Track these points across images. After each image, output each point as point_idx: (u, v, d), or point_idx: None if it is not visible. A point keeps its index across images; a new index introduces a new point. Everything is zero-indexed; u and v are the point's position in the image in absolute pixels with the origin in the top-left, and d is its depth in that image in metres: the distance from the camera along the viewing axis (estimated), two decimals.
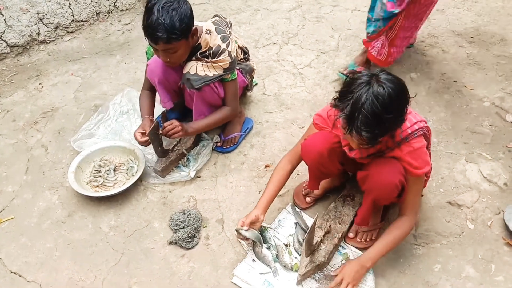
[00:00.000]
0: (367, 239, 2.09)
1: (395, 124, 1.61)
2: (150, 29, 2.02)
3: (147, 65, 2.42)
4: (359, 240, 2.09)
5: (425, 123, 1.79)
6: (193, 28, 2.13)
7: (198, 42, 2.23)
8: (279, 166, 2.10)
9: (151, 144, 2.31)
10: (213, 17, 2.38)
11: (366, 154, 1.83)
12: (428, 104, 2.85)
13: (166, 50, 2.10)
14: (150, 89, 2.52)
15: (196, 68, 2.25)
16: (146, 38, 2.08)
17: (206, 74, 2.25)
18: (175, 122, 2.30)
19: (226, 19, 2.41)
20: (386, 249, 1.87)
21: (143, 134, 2.29)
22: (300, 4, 3.94)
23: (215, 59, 2.23)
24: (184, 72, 2.28)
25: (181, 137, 2.38)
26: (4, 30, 3.24)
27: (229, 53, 2.25)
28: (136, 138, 2.30)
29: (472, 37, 3.44)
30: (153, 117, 2.45)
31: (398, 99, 1.55)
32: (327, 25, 3.65)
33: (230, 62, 2.26)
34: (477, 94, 2.92)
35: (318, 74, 3.14)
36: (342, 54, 3.33)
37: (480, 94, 2.91)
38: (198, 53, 2.24)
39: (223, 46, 2.23)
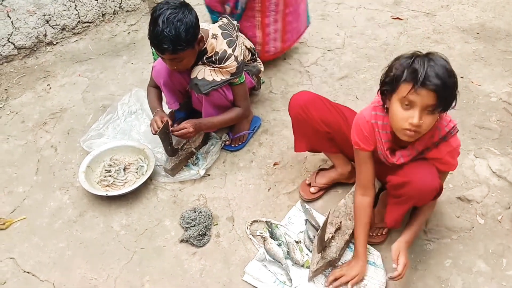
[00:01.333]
0: (378, 234, 2.10)
1: (453, 96, 1.52)
2: (156, 41, 2.05)
3: (153, 66, 2.43)
4: (371, 234, 2.09)
5: (455, 121, 1.74)
6: (199, 36, 2.14)
7: (204, 46, 2.24)
8: (356, 205, 1.97)
9: (161, 142, 2.32)
10: (221, 19, 2.39)
11: (408, 159, 1.77)
12: None
13: (172, 59, 2.13)
14: (156, 86, 2.53)
15: (204, 73, 2.26)
16: (152, 47, 2.10)
17: (213, 79, 2.26)
18: (186, 124, 2.31)
19: (234, 20, 2.42)
20: (419, 232, 1.93)
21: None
22: None
23: (222, 65, 2.24)
24: (192, 77, 2.29)
25: (193, 136, 2.40)
26: (12, 32, 3.26)
27: (236, 57, 2.25)
28: (156, 123, 2.28)
29: (478, 33, 3.44)
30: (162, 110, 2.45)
31: (452, 71, 1.50)
32: (332, 23, 3.66)
33: (237, 67, 2.27)
34: (484, 90, 2.92)
35: (325, 71, 3.15)
36: (348, 51, 3.33)
37: (487, 90, 2.91)
38: (204, 58, 2.25)
39: (229, 51, 2.23)
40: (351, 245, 2.08)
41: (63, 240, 2.18)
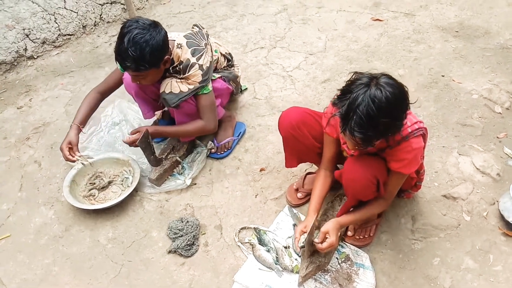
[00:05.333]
0: (365, 236, 2.11)
1: (391, 129, 1.61)
2: (119, 57, 2.06)
3: (123, 78, 2.40)
4: (357, 237, 2.10)
5: (424, 124, 1.80)
6: (166, 56, 2.14)
7: (171, 57, 2.22)
8: (316, 176, 2.10)
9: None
10: (192, 28, 2.37)
11: (365, 153, 1.84)
12: (417, 100, 2.87)
13: (135, 75, 2.13)
14: (101, 92, 2.46)
15: (171, 86, 2.23)
16: (116, 61, 2.10)
17: (181, 91, 2.24)
18: (137, 135, 2.28)
19: (203, 29, 2.38)
20: (358, 221, 1.99)
21: (70, 149, 2.27)
22: (285, 7, 3.97)
23: (187, 74, 2.22)
24: (161, 91, 2.27)
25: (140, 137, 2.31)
26: None
27: (200, 66, 2.22)
28: (63, 152, 2.26)
29: (457, 31, 3.49)
30: (83, 126, 2.37)
31: (396, 104, 1.55)
32: (313, 27, 3.68)
33: (201, 74, 2.23)
34: (465, 87, 2.95)
35: (307, 75, 3.16)
36: (330, 54, 3.35)
37: (468, 87, 2.95)
38: (170, 68, 2.24)
39: (193, 60, 2.21)
40: (339, 248, 2.09)
41: (49, 256, 2.16)
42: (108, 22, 3.82)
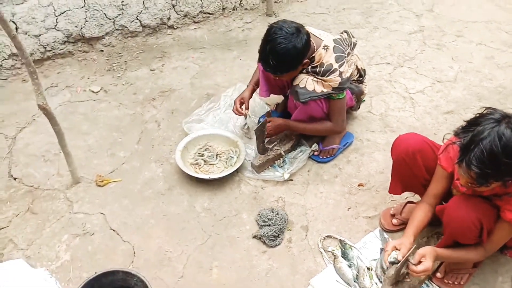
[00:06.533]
0: (455, 282, 1.99)
1: (506, 172, 1.50)
2: (261, 60, 2.24)
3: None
4: (446, 281, 2.00)
5: None
6: (305, 60, 2.23)
7: (313, 55, 2.27)
8: (416, 206, 2.03)
9: (255, 139, 2.42)
10: (341, 33, 2.41)
11: (479, 194, 1.75)
12: None
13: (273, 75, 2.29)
14: None
15: (306, 82, 2.29)
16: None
17: (314, 90, 2.29)
18: (272, 124, 2.47)
19: (353, 38, 2.43)
20: (454, 260, 1.90)
21: (241, 103, 2.54)
22: (421, 28, 3.83)
23: (325, 77, 2.26)
24: (294, 84, 2.34)
25: (276, 132, 2.53)
26: (141, 11, 3.55)
27: (340, 73, 2.26)
28: (235, 104, 2.53)
29: None
30: (256, 86, 2.62)
31: None
32: (447, 54, 3.51)
33: (340, 82, 2.27)
34: None
35: (430, 102, 3.04)
36: (460, 86, 3.18)
37: None
38: (309, 67, 2.29)
39: (335, 65, 2.25)
40: (424, 286, 2.00)
41: (150, 208, 2.35)
42: (246, 9, 4.00)
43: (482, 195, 1.76)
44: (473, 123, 1.55)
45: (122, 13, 3.49)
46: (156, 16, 3.63)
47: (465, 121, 1.61)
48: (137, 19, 3.57)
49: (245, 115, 2.58)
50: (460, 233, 1.78)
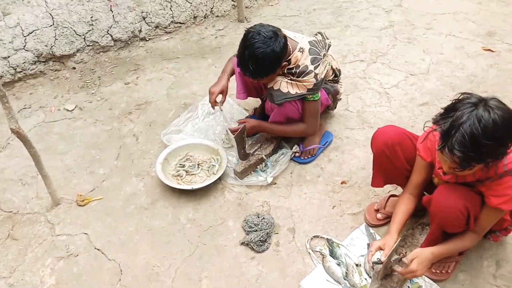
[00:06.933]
0: (443, 271, 2.01)
1: (493, 154, 1.54)
2: (240, 65, 2.23)
3: (235, 55, 2.49)
4: (434, 271, 2.01)
5: None
6: (283, 63, 2.24)
7: (289, 58, 2.29)
8: (400, 198, 2.07)
9: (234, 146, 2.43)
10: (316, 34, 2.44)
11: (463, 181, 1.77)
12: None
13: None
14: None
15: (280, 84, 2.31)
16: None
17: (288, 91, 2.31)
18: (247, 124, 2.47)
19: (327, 39, 2.45)
20: (447, 254, 1.90)
21: (219, 93, 2.47)
22: (392, 24, 3.89)
23: (300, 79, 2.28)
24: (269, 86, 2.35)
25: (250, 133, 2.53)
26: (111, 25, 3.52)
27: (315, 75, 2.28)
28: (212, 95, 2.45)
29: None
30: (230, 76, 2.57)
31: (503, 128, 1.49)
32: (418, 47, 3.57)
33: (314, 84, 2.29)
34: None
35: (405, 95, 3.08)
36: (432, 78, 3.23)
37: None
38: (285, 69, 2.30)
39: (311, 67, 2.27)
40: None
41: (133, 224, 2.32)
42: (217, 16, 4.00)
43: (465, 183, 1.79)
44: (451, 109, 1.57)
45: (92, 29, 3.45)
46: (127, 29, 3.60)
47: (442, 108, 1.63)
48: (108, 33, 3.53)
49: (220, 105, 2.51)
50: (448, 222, 1.80)
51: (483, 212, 1.79)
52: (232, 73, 2.58)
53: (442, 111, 1.62)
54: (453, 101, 1.60)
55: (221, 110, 2.53)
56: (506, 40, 3.63)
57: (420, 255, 1.79)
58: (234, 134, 2.39)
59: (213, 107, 2.51)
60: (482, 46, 3.57)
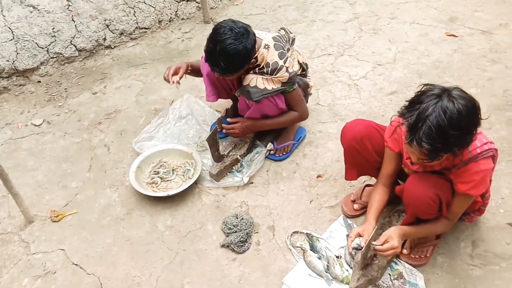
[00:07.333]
0: (421, 256, 2.05)
1: (460, 143, 1.57)
2: (209, 61, 2.20)
3: (202, 56, 2.48)
4: (413, 256, 2.05)
5: (494, 145, 1.74)
6: (252, 60, 2.24)
7: (255, 55, 2.29)
8: (374, 189, 2.09)
9: (208, 149, 2.41)
10: (279, 30, 2.44)
11: (430, 170, 1.80)
12: (488, 122, 2.74)
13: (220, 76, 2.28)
14: None
15: (256, 81, 2.31)
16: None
17: (265, 87, 2.31)
18: (236, 125, 2.47)
19: (290, 33, 2.46)
20: (421, 235, 1.96)
21: (175, 74, 2.46)
22: (356, 16, 3.93)
23: (274, 75, 2.29)
24: (244, 84, 2.35)
25: (239, 136, 2.53)
26: (74, 35, 3.45)
27: (287, 68, 2.30)
28: (169, 70, 2.46)
29: None
30: (192, 68, 2.55)
31: (467, 117, 1.52)
32: (384, 37, 3.62)
33: (288, 77, 2.31)
34: None
35: (374, 86, 3.12)
36: (399, 66, 3.28)
37: None
38: (257, 69, 2.31)
39: (281, 63, 2.28)
40: (393, 264, 2.05)
41: (110, 236, 2.28)
42: (183, 19, 3.96)
43: (434, 171, 1.82)
44: (415, 102, 1.59)
45: (55, 40, 3.37)
46: (91, 38, 3.54)
47: (407, 101, 1.65)
48: (72, 44, 3.46)
49: (172, 83, 2.46)
50: (421, 210, 1.83)
51: (455, 198, 1.83)
52: (196, 67, 2.56)
53: (406, 103, 1.64)
54: (417, 93, 1.62)
55: (177, 88, 2.52)
56: (467, 24, 3.71)
57: (392, 233, 1.82)
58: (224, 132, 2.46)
59: (168, 81, 2.48)
60: (445, 31, 3.64)
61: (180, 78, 2.47)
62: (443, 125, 1.49)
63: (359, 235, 1.87)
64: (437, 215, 1.86)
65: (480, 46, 3.44)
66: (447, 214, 1.87)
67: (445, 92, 1.55)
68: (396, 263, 2.06)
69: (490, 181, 1.91)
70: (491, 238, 2.15)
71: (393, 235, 1.81)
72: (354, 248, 1.85)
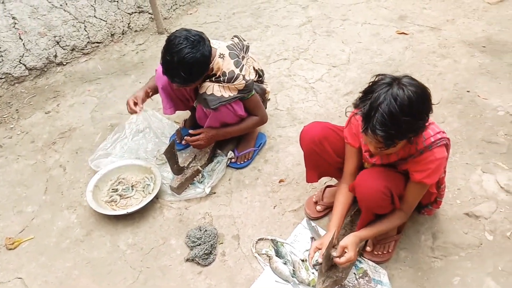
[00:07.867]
0: (384, 252, 2.08)
1: (413, 128, 1.60)
2: (168, 73, 2.17)
3: (156, 69, 2.47)
4: (376, 253, 2.08)
5: (446, 134, 1.79)
6: (209, 68, 2.24)
7: (211, 65, 2.27)
8: (338, 190, 2.09)
9: (167, 162, 2.38)
10: (232, 38, 2.43)
11: (387, 162, 1.84)
12: (441, 115, 2.84)
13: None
14: None
15: (212, 89, 2.29)
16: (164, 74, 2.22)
17: (222, 95, 2.30)
18: (201, 136, 2.45)
19: (244, 41, 2.46)
20: (378, 234, 1.96)
21: (135, 103, 2.42)
22: (310, 19, 3.99)
23: (231, 83, 2.29)
24: (201, 92, 2.33)
25: (204, 147, 2.52)
26: (23, 54, 3.34)
27: (243, 76, 2.30)
28: (128, 104, 2.42)
29: (484, 47, 3.43)
30: (151, 90, 2.53)
31: (418, 103, 1.56)
32: (337, 39, 3.68)
33: (245, 85, 2.32)
34: (491, 104, 2.90)
35: (330, 87, 3.16)
36: (353, 67, 3.34)
37: (494, 104, 2.89)
38: (213, 78, 2.30)
39: (237, 71, 2.28)
40: (357, 263, 2.07)
41: (70, 259, 2.20)
42: (136, 31, 3.91)
43: (389, 163, 1.85)
44: (368, 92, 1.62)
45: (2, 60, 3.26)
46: (41, 56, 3.43)
47: (361, 92, 1.68)
48: (21, 63, 3.35)
49: (139, 112, 2.44)
50: (373, 204, 1.85)
51: (408, 188, 1.86)
52: (154, 86, 2.53)
53: (361, 95, 1.67)
54: (370, 84, 1.66)
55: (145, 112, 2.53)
56: (416, 22, 3.83)
57: (348, 243, 1.83)
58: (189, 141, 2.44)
59: (135, 112, 2.45)
60: (396, 30, 3.74)
61: (143, 102, 2.47)
62: (394, 112, 1.53)
63: (318, 249, 1.89)
64: (390, 209, 1.89)
65: (430, 42, 3.55)
66: (402, 206, 1.90)
67: (396, 80, 1.59)
68: (360, 262, 2.08)
69: (445, 171, 1.96)
70: (450, 229, 2.21)
71: (349, 246, 1.82)
72: (314, 265, 1.89)
